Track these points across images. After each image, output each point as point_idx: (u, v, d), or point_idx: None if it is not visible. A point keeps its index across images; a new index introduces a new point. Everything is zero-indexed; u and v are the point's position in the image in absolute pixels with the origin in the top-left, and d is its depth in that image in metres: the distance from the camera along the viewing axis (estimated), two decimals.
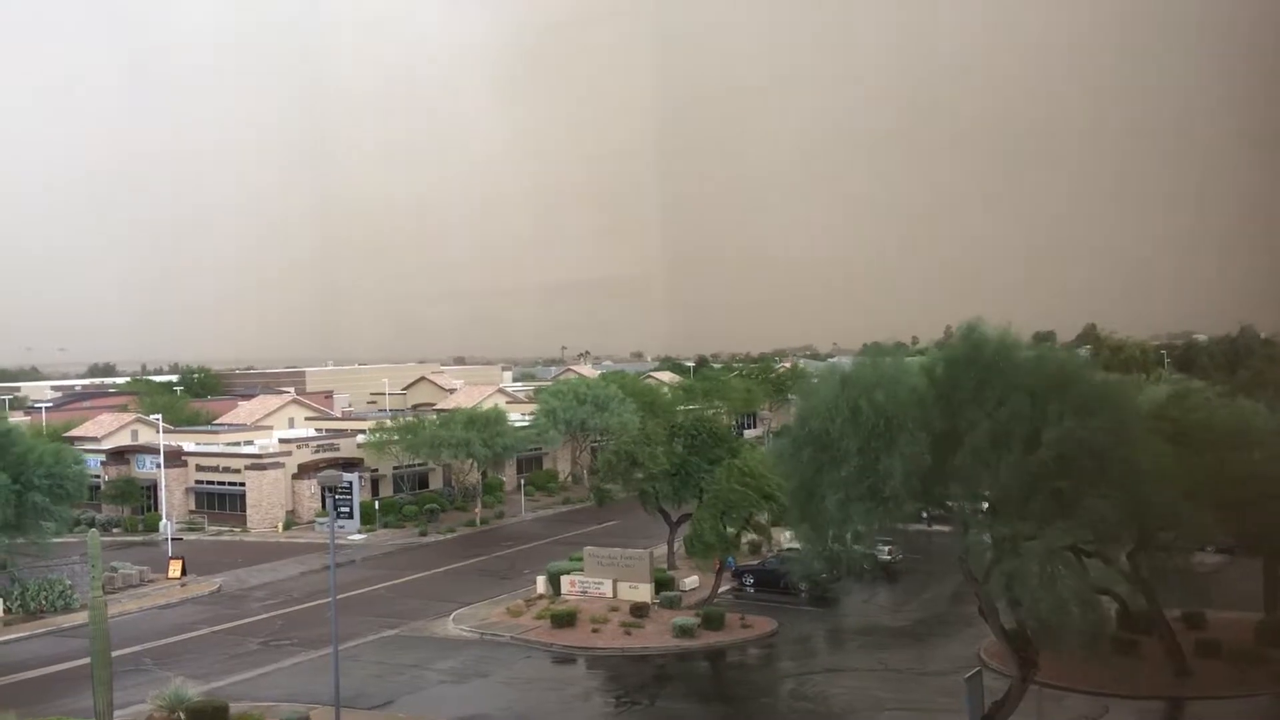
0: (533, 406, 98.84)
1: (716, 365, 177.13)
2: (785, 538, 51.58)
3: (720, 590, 48.42)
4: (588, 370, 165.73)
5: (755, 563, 52.50)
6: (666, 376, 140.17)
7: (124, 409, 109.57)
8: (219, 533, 73.49)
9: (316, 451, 78.55)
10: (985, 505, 27.99)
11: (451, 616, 48.20)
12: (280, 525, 73.35)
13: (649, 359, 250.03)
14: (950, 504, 28.37)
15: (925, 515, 33.62)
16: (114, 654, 33.97)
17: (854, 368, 29.75)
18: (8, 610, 50.41)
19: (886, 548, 51.94)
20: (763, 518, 47.87)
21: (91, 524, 63.62)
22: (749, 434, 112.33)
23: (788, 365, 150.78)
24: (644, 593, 47.27)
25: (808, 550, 31.60)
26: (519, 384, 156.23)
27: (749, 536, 51.79)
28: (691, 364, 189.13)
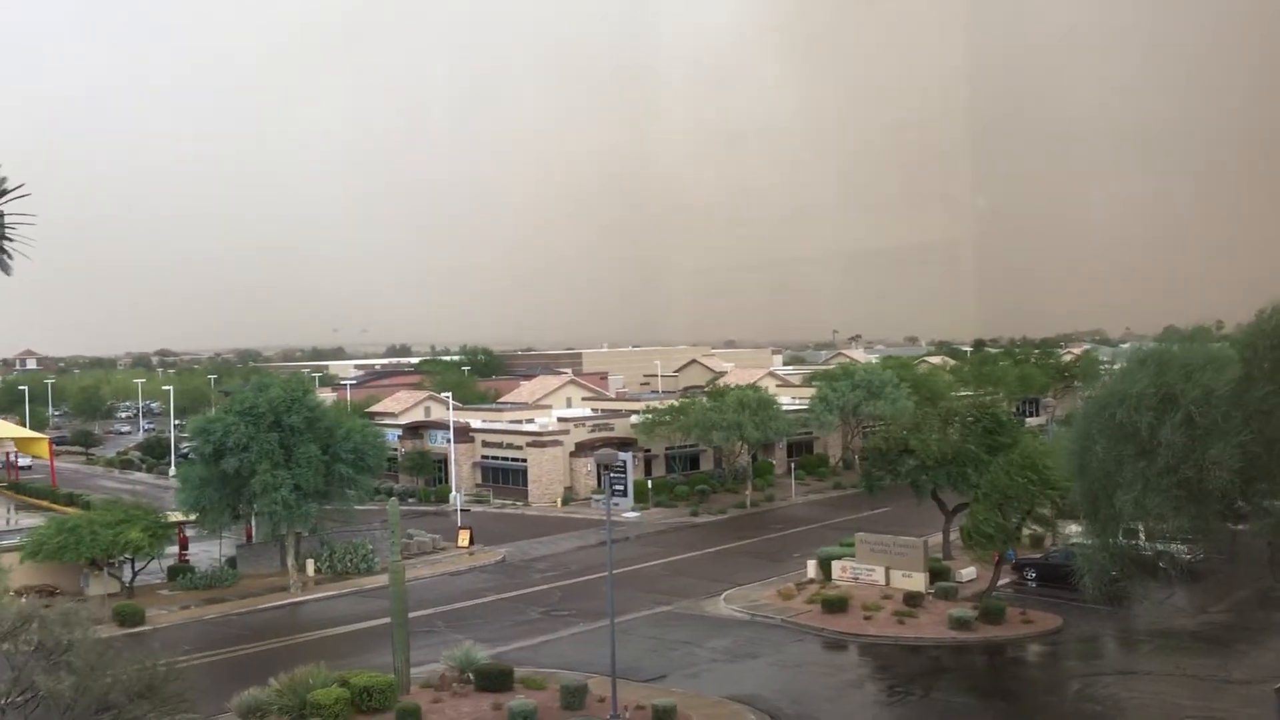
0: (803, 390, 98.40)
1: (995, 350, 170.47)
2: (1071, 531, 48.98)
3: (999, 583, 46.56)
4: (859, 354, 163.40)
5: (1038, 556, 50.17)
6: (940, 362, 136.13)
7: (418, 387, 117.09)
8: (502, 506, 77.24)
9: (592, 430, 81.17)
10: None
11: (722, 596, 48.71)
12: (559, 500, 76.29)
13: (923, 343, 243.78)
14: (1264, 502, 26.15)
15: (1227, 512, 31.16)
16: (410, 615, 36.36)
17: (1166, 352, 27.79)
18: (318, 570, 54.88)
19: (1185, 546, 48.43)
20: (1045, 510, 45.66)
21: (390, 494, 68.29)
22: (1031, 422, 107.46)
23: (1074, 351, 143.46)
24: (918, 582, 46.13)
25: (1094, 545, 29.91)
26: (789, 368, 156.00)
27: (1031, 529, 49.57)
28: (968, 349, 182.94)
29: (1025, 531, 49.03)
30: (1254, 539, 28.57)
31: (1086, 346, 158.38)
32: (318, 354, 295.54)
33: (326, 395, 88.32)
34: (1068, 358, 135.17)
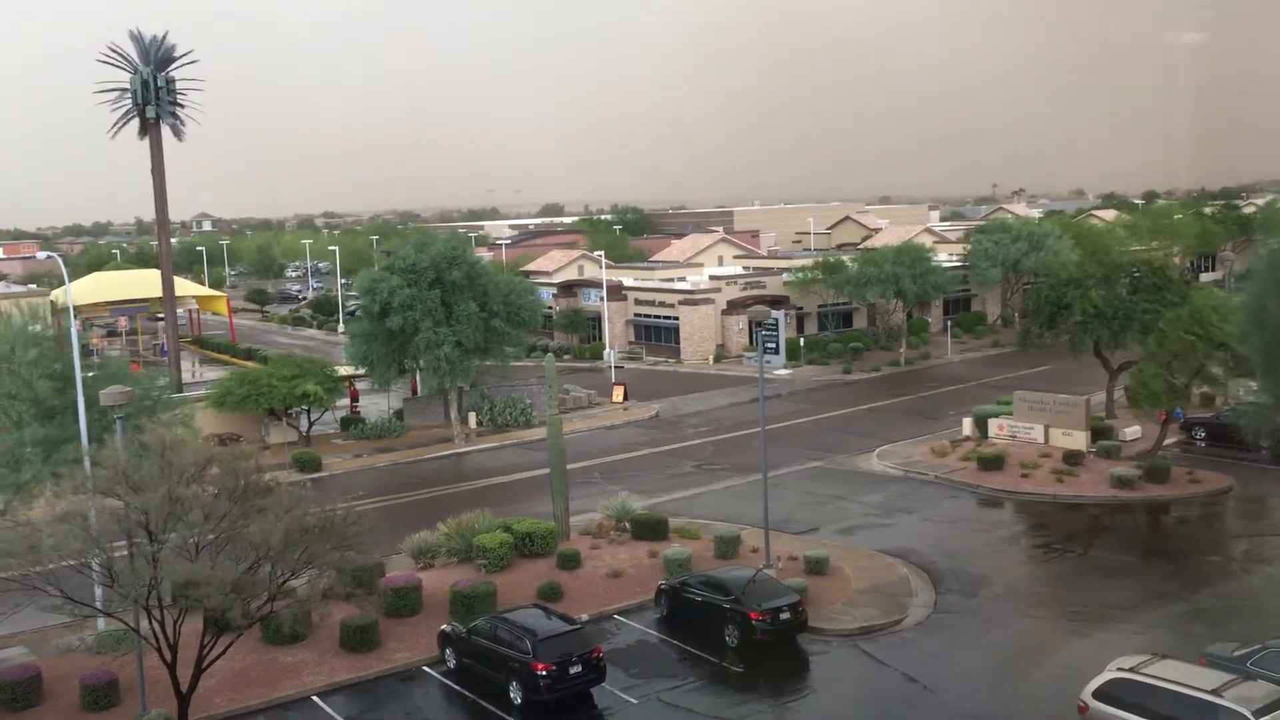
0: (960, 247, 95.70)
1: (1169, 202, 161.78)
2: (1245, 389, 46.99)
3: (1166, 442, 45.26)
4: (1021, 209, 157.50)
5: (1208, 415, 48.39)
6: (1109, 215, 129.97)
7: (571, 246, 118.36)
8: (655, 363, 78.22)
9: (744, 288, 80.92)
10: None
11: (875, 453, 48.69)
12: (710, 358, 76.82)
13: (1090, 197, 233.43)
14: None
15: None
16: (568, 467, 37.53)
17: None
18: (480, 423, 56.93)
19: None
20: (1217, 368, 43.77)
21: (546, 350, 69.84)
22: (1205, 278, 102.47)
23: (1257, 203, 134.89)
24: (1079, 440, 45.14)
25: (1268, 402, 28.70)
26: (946, 224, 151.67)
27: (1201, 387, 47.67)
28: (1139, 201, 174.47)
29: (1195, 390, 47.26)
30: None
31: (1271, 197, 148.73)
32: (473, 215, 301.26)
33: (482, 254, 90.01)
34: (1250, 210, 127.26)
